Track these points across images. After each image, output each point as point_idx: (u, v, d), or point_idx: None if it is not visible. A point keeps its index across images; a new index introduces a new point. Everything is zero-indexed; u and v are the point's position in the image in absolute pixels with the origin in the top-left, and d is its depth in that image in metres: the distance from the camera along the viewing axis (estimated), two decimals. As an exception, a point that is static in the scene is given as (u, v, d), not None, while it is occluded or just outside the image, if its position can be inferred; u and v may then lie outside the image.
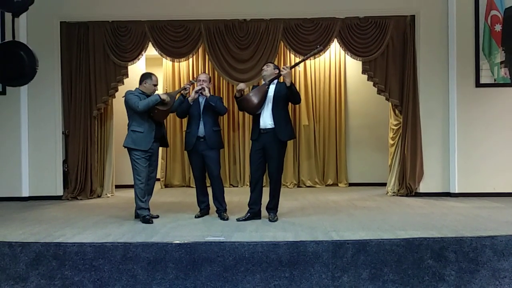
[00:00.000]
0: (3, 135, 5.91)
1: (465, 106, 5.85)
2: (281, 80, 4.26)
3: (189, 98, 4.48)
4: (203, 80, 4.54)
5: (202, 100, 4.51)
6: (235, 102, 4.49)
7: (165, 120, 4.73)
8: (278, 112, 4.24)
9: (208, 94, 4.46)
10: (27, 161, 5.96)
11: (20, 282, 3.37)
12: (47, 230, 3.98)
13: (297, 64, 4.65)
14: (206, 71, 6.83)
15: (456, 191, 5.82)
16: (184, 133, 7.03)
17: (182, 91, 4.72)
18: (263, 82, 4.46)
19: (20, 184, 5.91)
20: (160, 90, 6.85)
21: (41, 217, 4.71)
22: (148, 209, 4.42)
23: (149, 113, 4.33)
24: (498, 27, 5.75)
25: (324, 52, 6.25)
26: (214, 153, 4.51)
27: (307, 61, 6.85)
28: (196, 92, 4.46)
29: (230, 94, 7.00)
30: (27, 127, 5.97)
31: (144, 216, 4.30)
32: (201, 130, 4.45)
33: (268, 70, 4.33)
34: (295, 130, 7.02)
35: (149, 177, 4.46)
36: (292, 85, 4.21)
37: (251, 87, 4.72)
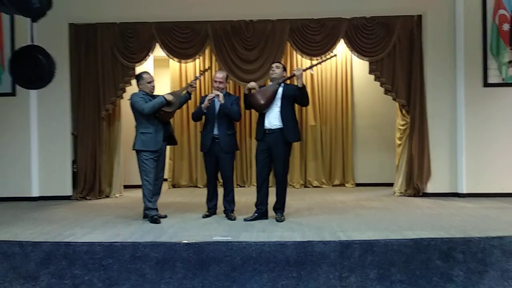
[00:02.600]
0: (13, 136, 5.98)
1: (473, 106, 5.82)
2: (294, 82, 4.27)
3: (203, 106, 4.43)
4: (219, 82, 4.48)
5: (217, 103, 4.47)
6: (243, 100, 4.49)
7: (172, 119, 4.75)
8: (287, 113, 4.25)
9: (223, 101, 4.39)
10: (37, 161, 6.03)
11: (31, 281, 3.41)
12: (57, 229, 4.03)
13: (311, 67, 4.66)
14: (213, 72, 6.85)
15: (464, 192, 5.78)
16: (193, 136, 7.23)
17: (188, 89, 4.71)
18: (270, 83, 4.47)
19: (30, 184, 5.98)
20: (167, 90, 6.92)
21: (51, 217, 4.76)
22: (156, 209, 4.45)
23: (155, 114, 4.36)
24: (506, 26, 5.71)
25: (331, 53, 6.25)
26: (228, 155, 4.52)
27: (314, 61, 6.84)
28: (209, 100, 4.41)
29: (237, 95, 7.00)
30: (37, 128, 6.04)
31: (152, 216, 4.34)
32: (215, 132, 4.47)
33: (278, 72, 4.34)
34: (302, 131, 7.04)
35: (157, 177, 4.49)
36: (304, 86, 4.23)
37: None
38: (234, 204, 4.59)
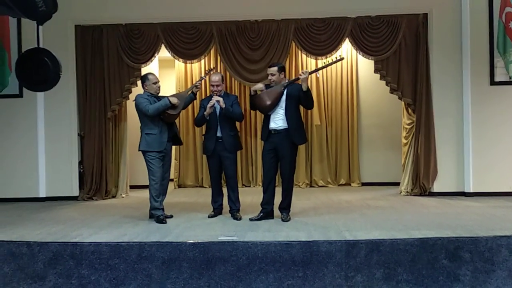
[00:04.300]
0: (20, 137, 6.03)
1: (480, 104, 5.77)
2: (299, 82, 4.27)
3: (205, 113, 4.43)
4: (216, 85, 4.48)
5: (218, 108, 4.47)
6: (248, 101, 4.49)
7: (177, 119, 4.76)
8: (292, 114, 4.24)
9: (224, 105, 4.39)
10: (44, 162, 6.07)
11: (38, 281, 3.44)
12: (64, 230, 4.05)
13: (316, 70, 4.64)
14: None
15: (471, 191, 5.75)
16: (199, 136, 7.24)
17: (193, 89, 4.72)
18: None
19: (37, 185, 6.02)
20: (173, 91, 6.94)
21: (58, 217, 4.79)
22: (163, 209, 4.47)
23: (160, 115, 4.37)
24: (513, 24, 5.67)
25: (335, 53, 6.23)
26: (231, 155, 4.53)
27: (319, 60, 6.83)
28: (211, 107, 4.40)
29: (242, 95, 7.02)
30: (43, 129, 6.08)
31: (158, 216, 4.35)
32: (219, 135, 4.48)
33: (274, 78, 4.29)
34: (308, 130, 7.03)
35: (163, 177, 4.51)
36: (309, 89, 4.22)
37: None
38: (239, 203, 4.59)
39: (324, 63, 4.85)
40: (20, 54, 4.03)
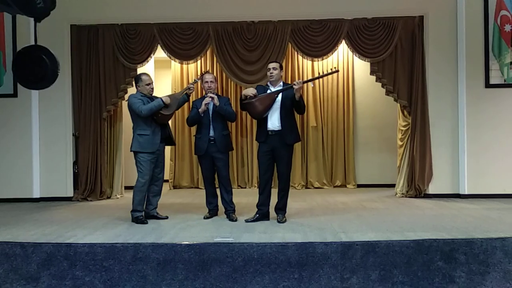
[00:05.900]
0: (15, 137, 5.99)
1: (475, 107, 5.81)
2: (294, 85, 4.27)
3: (200, 110, 4.45)
4: (210, 81, 4.53)
5: (211, 106, 4.50)
6: (239, 103, 4.49)
7: (172, 120, 4.74)
8: (285, 116, 4.25)
9: (218, 103, 4.44)
10: (38, 162, 6.03)
11: (32, 282, 3.41)
12: (58, 230, 4.02)
13: (310, 80, 4.65)
14: (214, 73, 6.84)
15: (466, 193, 5.77)
16: (193, 137, 7.22)
17: (186, 91, 4.71)
18: (268, 84, 4.44)
19: (31, 185, 5.98)
20: (168, 92, 6.92)
21: (52, 218, 4.76)
22: (155, 208, 4.49)
23: (153, 116, 4.36)
24: (508, 27, 5.72)
25: (332, 55, 6.24)
26: (224, 155, 4.55)
27: (315, 62, 6.84)
28: (206, 104, 4.44)
29: (238, 96, 7.00)
30: (38, 129, 6.04)
31: (137, 217, 4.35)
32: (211, 134, 4.49)
33: (276, 73, 4.31)
34: (303, 131, 7.04)
35: (157, 178, 4.51)
36: (301, 99, 4.24)
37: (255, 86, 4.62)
38: (234, 204, 4.59)
39: (319, 73, 4.86)
40: (17, 52, 3.98)
